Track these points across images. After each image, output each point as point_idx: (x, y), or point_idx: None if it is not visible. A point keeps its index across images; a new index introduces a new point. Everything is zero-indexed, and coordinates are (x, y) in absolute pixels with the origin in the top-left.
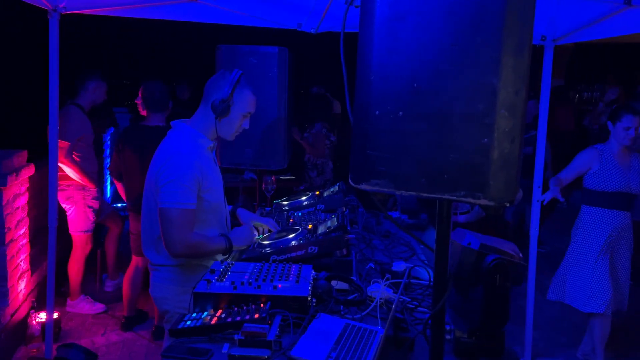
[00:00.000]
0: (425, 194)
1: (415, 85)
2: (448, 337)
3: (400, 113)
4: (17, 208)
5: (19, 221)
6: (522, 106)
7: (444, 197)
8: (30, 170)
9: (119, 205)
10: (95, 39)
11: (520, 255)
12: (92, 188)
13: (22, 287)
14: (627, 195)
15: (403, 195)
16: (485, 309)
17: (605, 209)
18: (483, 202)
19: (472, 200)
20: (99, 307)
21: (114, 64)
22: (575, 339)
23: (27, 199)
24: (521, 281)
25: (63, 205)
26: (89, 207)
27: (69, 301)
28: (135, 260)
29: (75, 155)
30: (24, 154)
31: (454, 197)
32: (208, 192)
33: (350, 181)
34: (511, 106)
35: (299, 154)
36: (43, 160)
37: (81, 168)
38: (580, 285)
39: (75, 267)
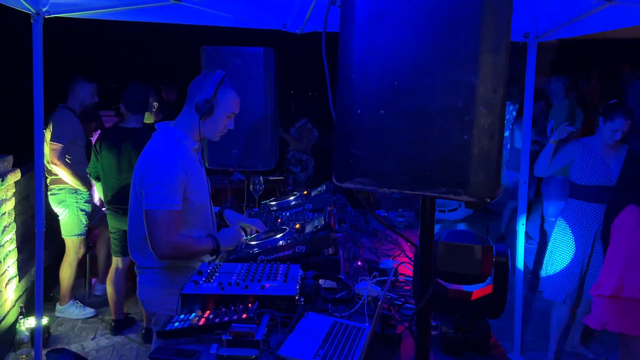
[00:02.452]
0: (407, 191)
1: (395, 83)
2: (434, 332)
3: (382, 111)
4: (4, 214)
5: (5, 227)
6: (500, 103)
7: (425, 194)
8: (16, 176)
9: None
10: (80, 43)
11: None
12: (84, 191)
13: (10, 292)
14: (611, 189)
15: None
16: (495, 301)
17: (589, 203)
18: (464, 198)
19: (453, 197)
20: (89, 311)
21: (100, 67)
22: (563, 332)
23: (13, 205)
24: None
25: (55, 210)
26: (82, 210)
27: (58, 306)
28: (115, 261)
29: (68, 158)
30: (10, 159)
31: (436, 194)
32: (193, 193)
33: (333, 180)
34: (490, 103)
35: (282, 149)
36: (29, 165)
37: (74, 171)
38: (552, 275)
39: (67, 272)
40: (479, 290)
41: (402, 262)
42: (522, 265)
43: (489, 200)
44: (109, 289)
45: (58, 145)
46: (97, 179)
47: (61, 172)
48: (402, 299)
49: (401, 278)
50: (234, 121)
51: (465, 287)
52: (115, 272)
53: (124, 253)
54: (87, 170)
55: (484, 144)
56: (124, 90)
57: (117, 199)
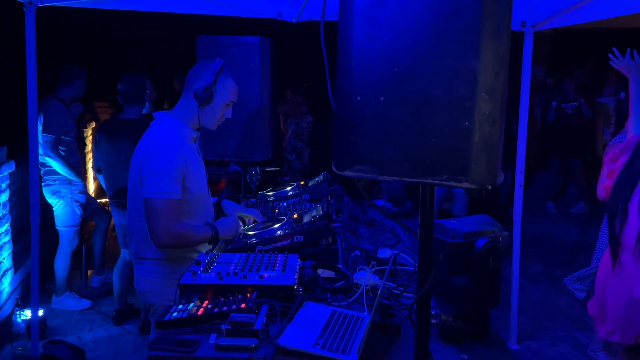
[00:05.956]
0: (408, 179)
1: (395, 70)
2: (434, 321)
3: (382, 99)
4: None
5: (0, 219)
6: (501, 89)
7: (426, 181)
8: (10, 167)
9: (104, 200)
10: (76, 33)
11: (499, 226)
12: (78, 182)
13: (5, 285)
14: None
15: (388, 183)
16: (478, 292)
17: None
18: (465, 185)
19: (454, 184)
20: (85, 303)
21: (95, 58)
22: (559, 321)
23: (8, 196)
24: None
25: (49, 201)
26: (76, 201)
27: (54, 298)
28: (123, 253)
29: (60, 149)
30: (4, 150)
31: (437, 181)
32: (192, 182)
33: (333, 168)
34: (491, 89)
35: (278, 139)
36: (24, 156)
37: (67, 162)
38: None
39: (62, 263)
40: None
41: (400, 252)
42: (518, 255)
43: (490, 187)
44: (115, 278)
45: (50, 137)
46: (100, 171)
47: (55, 164)
48: (401, 288)
49: (399, 267)
50: (232, 111)
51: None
52: (122, 262)
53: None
54: (80, 162)
55: (485, 130)
56: (118, 81)
57: (119, 194)
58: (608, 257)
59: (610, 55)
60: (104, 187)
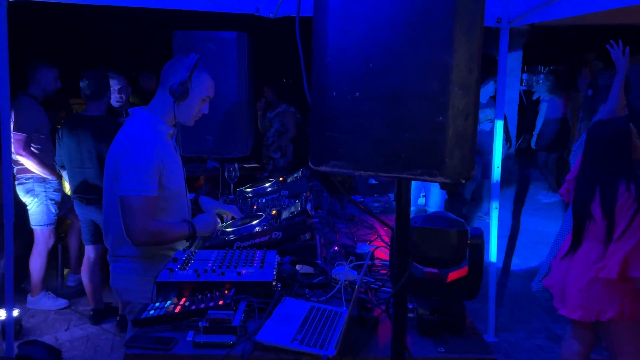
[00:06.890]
0: (383, 174)
1: (370, 65)
2: (411, 314)
3: (357, 94)
4: None
5: None
6: (475, 84)
7: (401, 176)
8: None
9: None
10: (51, 29)
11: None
12: (53, 180)
13: None
14: None
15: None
16: (470, 282)
17: None
18: (439, 179)
19: (428, 178)
20: (62, 302)
21: (70, 54)
22: (536, 314)
23: None
24: None
25: (24, 199)
26: (51, 199)
27: (29, 297)
28: (88, 250)
29: (33, 147)
30: None
31: (411, 176)
32: (169, 179)
33: (309, 163)
34: (464, 84)
35: (260, 137)
36: None
37: (40, 160)
38: None
39: (37, 262)
40: (454, 272)
41: (379, 247)
42: (495, 248)
43: (463, 181)
44: (84, 278)
45: (21, 135)
46: (63, 167)
47: (28, 163)
48: (379, 283)
49: (377, 262)
50: (208, 106)
51: (440, 270)
52: (87, 261)
53: (93, 241)
54: (54, 160)
55: (458, 125)
56: (81, 78)
57: (82, 189)
58: (567, 245)
59: (612, 42)
60: (67, 182)
